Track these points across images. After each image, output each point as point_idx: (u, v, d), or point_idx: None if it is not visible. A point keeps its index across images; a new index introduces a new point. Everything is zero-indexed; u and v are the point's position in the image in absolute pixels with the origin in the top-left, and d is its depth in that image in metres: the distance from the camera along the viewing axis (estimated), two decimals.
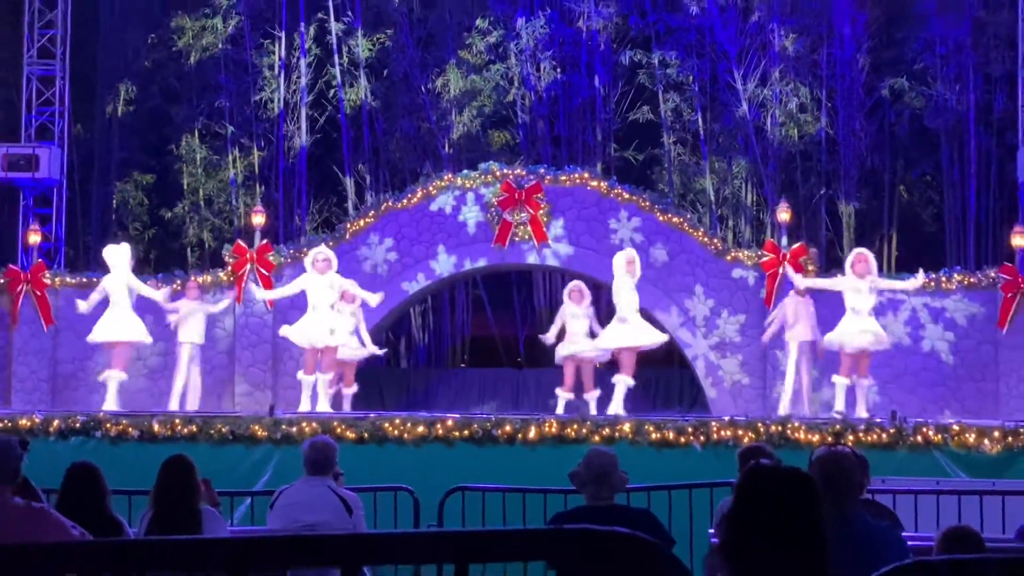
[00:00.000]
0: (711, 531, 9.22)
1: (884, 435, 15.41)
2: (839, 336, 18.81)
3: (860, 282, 18.75)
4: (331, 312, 19.39)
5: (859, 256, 19.22)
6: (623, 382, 19.21)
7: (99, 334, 20.34)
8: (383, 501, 12.81)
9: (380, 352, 21.73)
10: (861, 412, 18.31)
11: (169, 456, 8.50)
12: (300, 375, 19.62)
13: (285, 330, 20.04)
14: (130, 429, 16.30)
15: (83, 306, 20.40)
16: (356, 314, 20.38)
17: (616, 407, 18.84)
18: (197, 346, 20.90)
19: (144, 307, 21.06)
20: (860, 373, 18.87)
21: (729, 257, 22.22)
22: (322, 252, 19.98)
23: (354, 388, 20.96)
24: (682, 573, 2.46)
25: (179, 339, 20.80)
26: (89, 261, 28.04)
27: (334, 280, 19.50)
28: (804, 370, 19.86)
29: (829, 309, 19.89)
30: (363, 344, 20.61)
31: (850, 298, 18.79)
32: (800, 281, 19.91)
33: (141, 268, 27.89)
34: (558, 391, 20.11)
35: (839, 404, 18.53)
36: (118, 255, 20.60)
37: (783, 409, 19.15)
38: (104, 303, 20.42)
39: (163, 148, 30.85)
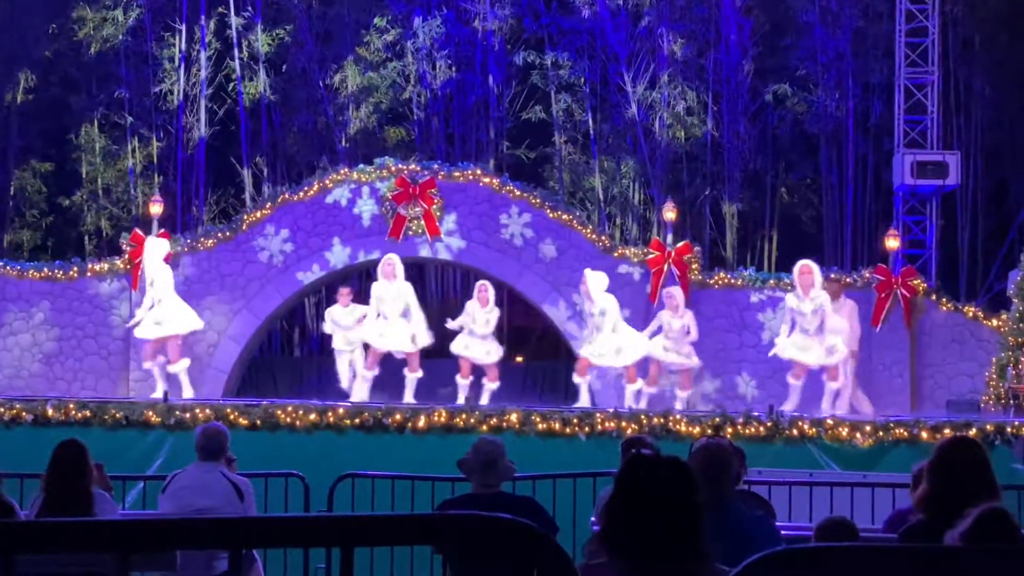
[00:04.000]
0: (592, 519, 9.37)
1: (761, 428, 15.85)
2: (786, 349, 19.42)
3: (805, 301, 19.19)
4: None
5: (804, 268, 19.54)
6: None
7: (155, 330, 20.39)
8: (274, 487, 12.92)
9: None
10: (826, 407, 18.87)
11: (62, 440, 8.51)
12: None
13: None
14: (24, 413, 16.17)
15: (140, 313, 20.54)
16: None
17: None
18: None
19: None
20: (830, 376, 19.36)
21: (616, 254, 22.52)
22: (391, 259, 20.41)
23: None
24: (564, 560, 2.61)
25: (336, 347, 21.31)
26: None
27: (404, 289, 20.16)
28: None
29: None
30: None
31: (796, 315, 19.31)
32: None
33: (38, 255, 28.11)
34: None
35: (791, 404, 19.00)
36: (160, 246, 20.87)
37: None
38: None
39: (62, 137, 30.80)
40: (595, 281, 20.07)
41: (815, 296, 19.19)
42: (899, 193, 25.00)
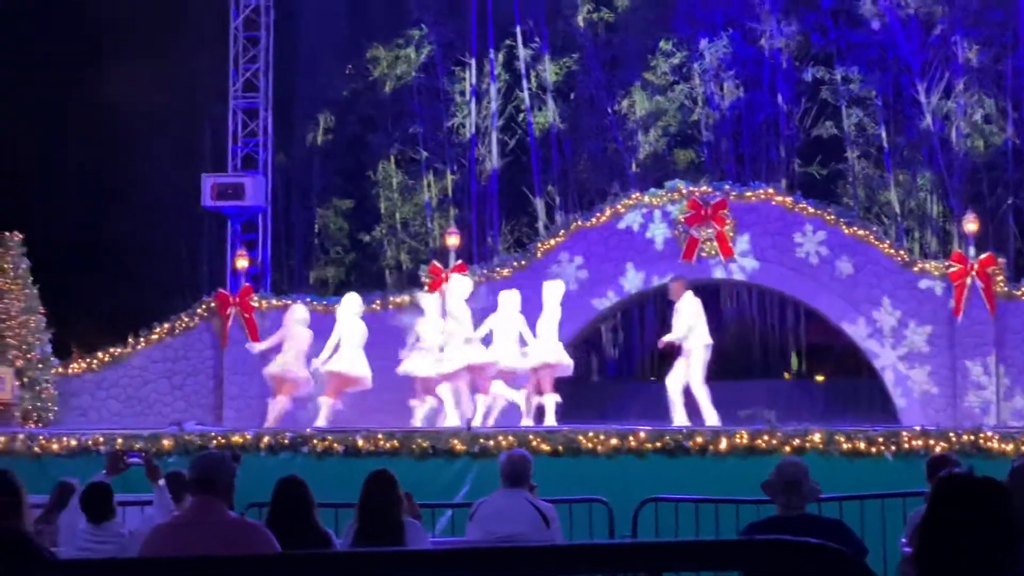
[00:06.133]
0: (903, 541, 9.18)
1: None
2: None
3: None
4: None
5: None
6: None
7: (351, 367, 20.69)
8: (578, 512, 12.92)
9: None
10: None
11: (373, 470, 8.60)
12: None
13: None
14: (335, 445, 16.47)
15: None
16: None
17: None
18: None
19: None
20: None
21: (916, 268, 22.11)
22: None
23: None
24: None
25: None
26: (293, 284, 29.05)
27: None
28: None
29: None
30: None
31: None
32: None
33: (342, 290, 28.93)
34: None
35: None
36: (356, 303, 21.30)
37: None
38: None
39: (361, 174, 31.76)
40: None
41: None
42: None
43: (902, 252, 22.58)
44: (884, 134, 28.85)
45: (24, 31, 32.02)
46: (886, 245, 22.44)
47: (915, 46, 28.17)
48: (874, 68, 28.80)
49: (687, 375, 19.35)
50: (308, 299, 24.02)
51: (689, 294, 19.74)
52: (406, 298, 23.29)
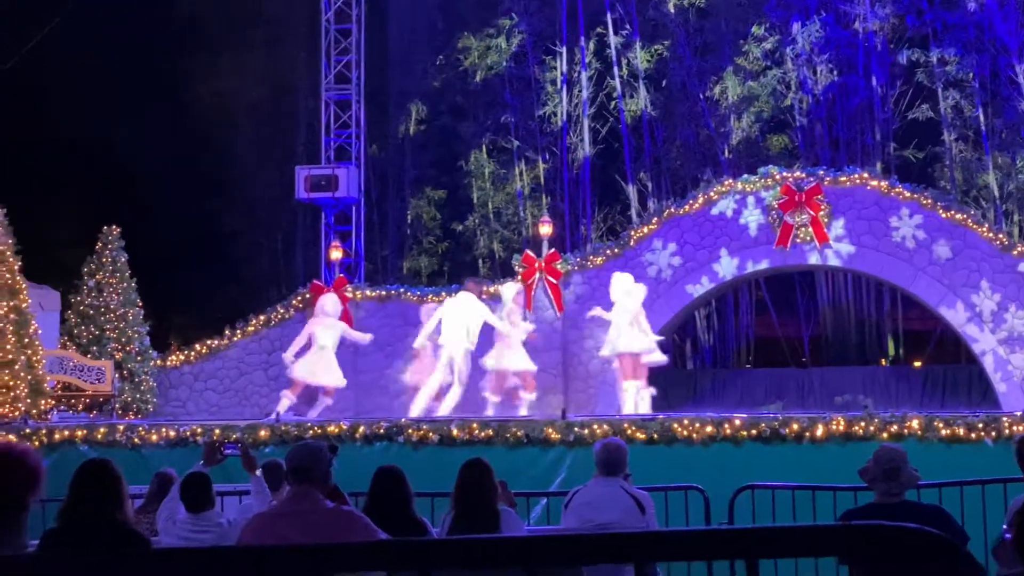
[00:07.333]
0: (1004, 527, 9.12)
1: None
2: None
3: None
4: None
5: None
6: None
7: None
8: (674, 500, 12.80)
9: None
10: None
11: (468, 459, 8.61)
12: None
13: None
14: (430, 434, 16.46)
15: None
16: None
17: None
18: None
19: None
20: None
21: (1016, 251, 21.81)
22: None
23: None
24: (976, 570, 2.43)
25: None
26: (387, 274, 29.16)
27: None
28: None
29: None
30: None
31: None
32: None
33: (435, 280, 29.10)
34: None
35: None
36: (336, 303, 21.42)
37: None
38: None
39: (452, 164, 31.90)
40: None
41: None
42: None
43: (1001, 235, 22.29)
44: (981, 116, 28.50)
45: (120, 29, 32.42)
46: (984, 228, 22.18)
47: (1012, 27, 27.78)
48: (970, 50, 28.44)
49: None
50: (402, 289, 24.07)
51: (467, 295, 19.78)
52: (499, 287, 23.29)
